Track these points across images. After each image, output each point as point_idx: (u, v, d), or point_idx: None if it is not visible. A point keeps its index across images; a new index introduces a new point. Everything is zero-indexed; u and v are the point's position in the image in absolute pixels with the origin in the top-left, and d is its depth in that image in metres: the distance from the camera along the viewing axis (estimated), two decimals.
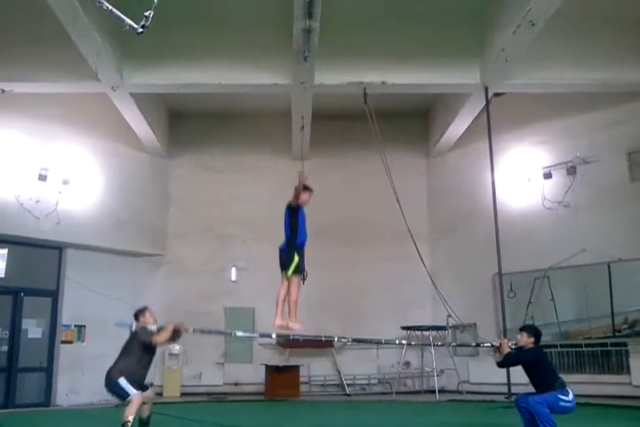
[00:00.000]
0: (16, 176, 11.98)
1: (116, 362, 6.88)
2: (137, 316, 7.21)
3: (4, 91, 11.41)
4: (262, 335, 8.40)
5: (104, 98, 12.14)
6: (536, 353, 6.71)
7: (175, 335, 7.15)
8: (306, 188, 7.37)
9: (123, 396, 6.63)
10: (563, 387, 6.44)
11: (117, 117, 13.04)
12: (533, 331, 6.86)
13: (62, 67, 11.11)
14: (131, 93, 12.03)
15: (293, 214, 7.33)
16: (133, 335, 6.99)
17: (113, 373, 6.75)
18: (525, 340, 6.75)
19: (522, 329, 6.94)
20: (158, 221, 14.94)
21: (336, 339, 7.48)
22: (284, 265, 7.23)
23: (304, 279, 7.33)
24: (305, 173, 7.42)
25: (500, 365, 7.15)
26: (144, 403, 6.77)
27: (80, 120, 13.08)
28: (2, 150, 11.89)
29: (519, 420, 6.71)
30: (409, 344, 13.29)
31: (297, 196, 7.30)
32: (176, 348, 13.86)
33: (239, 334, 8.16)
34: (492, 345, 7.15)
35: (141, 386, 6.85)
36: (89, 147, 13.38)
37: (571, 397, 6.39)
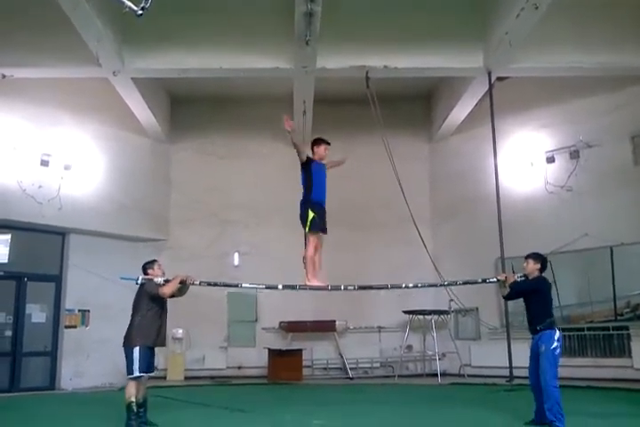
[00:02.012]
0: (18, 162, 11.98)
1: (130, 324, 6.96)
2: (145, 268, 7.29)
3: (4, 76, 11.39)
4: (268, 287, 8.48)
5: (105, 83, 12.10)
6: (542, 281, 6.88)
7: (182, 288, 7.20)
8: (319, 141, 7.63)
9: (129, 367, 6.76)
10: (552, 326, 6.59)
11: (119, 102, 12.99)
12: (540, 258, 6.97)
13: (63, 52, 11.06)
14: (132, 78, 11.99)
15: (306, 170, 7.45)
16: (141, 289, 7.05)
17: (130, 338, 6.84)
18: (532, 267, 6.88)
19: (527, 257, 7.07)
20: (160, 206, 14.94)
21: (342, 287, 7.68)
22: (302, 222, 7.44)
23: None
24: (289, 118, 7.57)
25: (508, 297, 7.26)
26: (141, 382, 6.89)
27: (81, 105, 13.05)
28: (3, 136, 11.88)
29: (521, 402, 6.76)
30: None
31: (298, 149, 7.52)
32: (179, 332, 13.95)
33: (245, 285, 8.19)
34: (498, 280, 7.27)
35: (149, 365, 6.91)
36: (90, 132, 13.36)
37: (556, 337, 6.53)
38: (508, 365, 11.48)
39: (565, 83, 12.59)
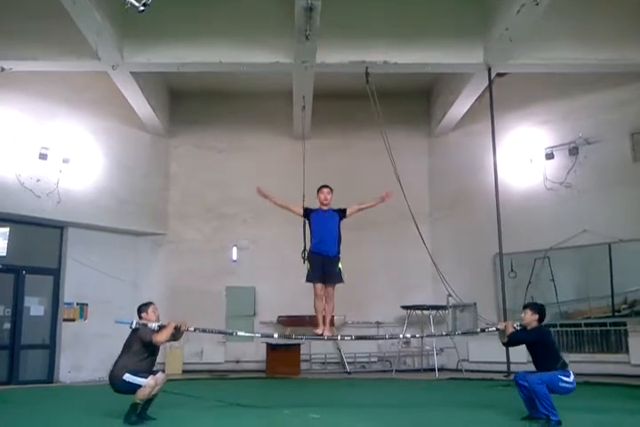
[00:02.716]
0: (17, 155, 11.97)
1: (116, 361, 6.71)
2: (140, 311, 7.04)
3: (3, 69, 11.38)
4: (264, 335, 8.72)
5: (105, 77, 12.08)
6: (540, 332, 6.72)
7: (176, 334, 6.99)
8: (320, 187, 7.72)
9: (134, 390, 6.50)
10: (564, 368, 6.48)
11: (118, 96, 12.98)
12: (537, 308, 6.85)
13: (62, 45, 11.05)
14: (131, 72, 11.98)
15: (307, 221, 7.57)
16: (134, 332, 6.82)
17: (116, 372, 6.60)
18: (529, 317, 6.76)
19: (526, 307, 6.93)
20: (159, 200, 14.95)
21: (339, 337, 9.24)
22: None
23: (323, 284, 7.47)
24: (261, 189, 7.88)
25: (506, 345, 7.18)
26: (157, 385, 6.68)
27: (81, 99, 13.05)
28: (2, 129, 11.86)
29: (518, 397, 6.77)
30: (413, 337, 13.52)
31: (289, 210, 7.80)
32: None
33: (240, 333, 8.17)
34: (497, 329, 7.15)
35: (150, 373, 6.79)
36: (89, 126, 13.35)
37: (572, 378, 6.43)
38: (505, 360, 11.52)
39: (566, 78, 12.58)
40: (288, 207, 7.70)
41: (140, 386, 6.47)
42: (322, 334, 7.44)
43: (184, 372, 13.79)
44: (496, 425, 6.49)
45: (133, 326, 6.82)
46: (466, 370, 13.29)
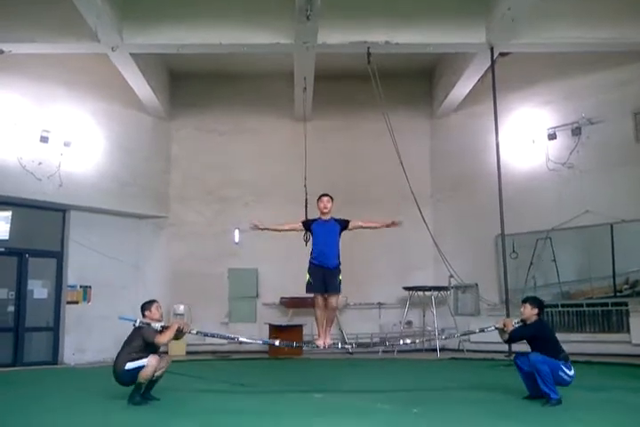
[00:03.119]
0: (18, 138, 11.94)
1: (118, 356, 6.77)
2: (144, 308, 7.07)
3: (2, 51, 11.32)
4: (265, 342, 8.84)
5: (104, 59, 12.01)
6: (540, 326, 6.78)
7: (178, 335, 7.04)
8: (319, 197, 7.53)
9: (137, 374, 6.56)
10: (567, 360, 6.51)
11: (118, 79, 12.92)
12: (536, 302, 6.89)
13: (62, 27, 10.98)
14: (131, 54, 11.89)
15: (309, 232, 7.47)
16: (137, 330, 6.84)
17: (118, 365, 6.66)
18: (529, 312, 6.79)
19: (524, 301, 6.96)
20: (161, 183, 14.95)
21: (340, 345, 9.39)
22: None
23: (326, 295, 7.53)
24: (256, 223, 7.71)
25: (507, 342, 7.20)
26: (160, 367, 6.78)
27: (81, 81, 12.98)
28: (3, 112, 11.82)
29: (519, 377, 6.82)
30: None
31: (291, 230, 7.72)
32: (180, 308, 14.05)
33: (242, 339, 8.22)
34: (496, 328, 7.16)
35: (147, 353, 6.77)
36: (90, 108, 13.30)
37: (572, 372, 6.48)
38: None
39: (568, 58, 12.49)
40: (289, 229, 7.68)
41: (142, 368, 6.54)
42: (323, 346, 7.56)
43: (188, 353, 13.87)
44: (498, 404, 6.54)
45: (137, 324, 6.83)
46: (467, 350, 13.37)
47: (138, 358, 6.61)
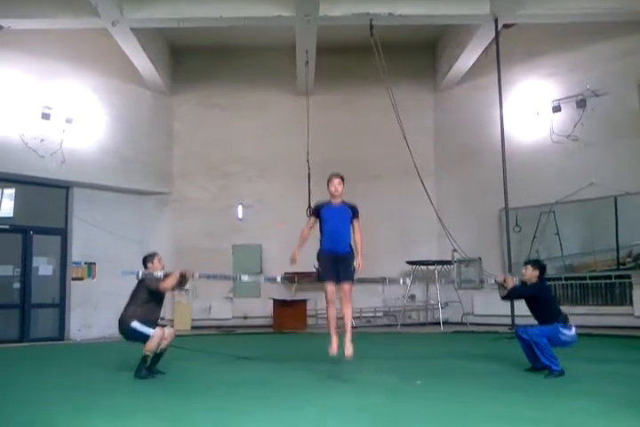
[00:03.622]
0: (19, 115, 11.90)
1: (125, 309, 6.87)
2: (145, 261, 7.16)
3: (2, 27, 11.24)
4: (268, 279, 8.63)
5: (105, 34, 11.91)
6: (540, 287, 6.78)
7: (182, 281, 7.12)
8: (329, 178, 6.81)
9: (142, 339, 6.66)
10: (566, 322, 6.54)
11: (119, 54, 12.83)
12: (538, 265, 6.90)
13: (61, 2, 10.91)
14: (131, 28, 11.80)
15: (318, 218, 6.62)
16: (140, 282, 6.95)
17: (124, 319, 6.77)
18: (530, 273, 6.80)
19: (526, 263, 6.98)
20: (163, 159, 14.91)
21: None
22: None
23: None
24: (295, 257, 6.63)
25: (505, 298, 7.23)
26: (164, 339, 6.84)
27: (82, 58, 12.89)
28: (4, 89, 11.76)
29: (520, 350, 6.87)
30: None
31: (309, 228, 6.72)
32: None
33: (245, 278, 8.23)
34: (496, 282, 7.19)
35: (156, 325, 6.90)
36: (91, 84, 13.22)
37: (572, 332, 6.51)
38: (509, 313, 11.63)
39: (573, 30, 12.32)
40: (310, 229, 6.71)
41: (146, 336, 6.62)
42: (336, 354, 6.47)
43: (193, 328, 14.00)
44: (500, 376, 6.59)
45: (140, 276, 6.95)
46: (470, 323, 13.45)
47: (146, 323, 6.69)
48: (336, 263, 6.43)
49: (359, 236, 6.57)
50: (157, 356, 6.96)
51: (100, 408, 5.08)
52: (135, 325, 6.66)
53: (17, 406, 5.22)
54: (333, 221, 6.49)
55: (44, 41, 12.07)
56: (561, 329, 6.45)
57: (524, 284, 6.87)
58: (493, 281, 7.38)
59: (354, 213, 6.59)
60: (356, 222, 6.59)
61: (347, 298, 6.46)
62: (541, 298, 6.69)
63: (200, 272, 7.66)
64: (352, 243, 6.59)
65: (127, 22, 11.44)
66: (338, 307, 6.63)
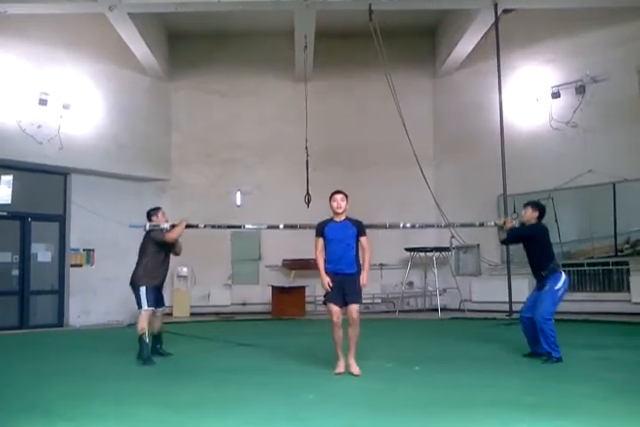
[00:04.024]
0: (16, 101, 11.82)
1: (137, 265, 7.24)
2: (150, 215, 7.47)
3: None
4: (270, 227, 8.52)
5: (102, 19, 11.81)
6: (538, 228, 6.81)
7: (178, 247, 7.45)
8: (335, 193, 6.21)
9: (138, 304, 7.09)
10: (555, 270, 6.57)
11: (116, 40, 12.74)
12: (538, 206, 6.96)
13: None
14: (128, 13, 11.70)
15: (323, 238, 6.14)
16: (147, 235, 7.27)
17: (135, 279, 7.15)
18: (530, 214, 6.86)
19: (527, 205, 7.02)
20: (161, 145, 14.86)
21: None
22: None
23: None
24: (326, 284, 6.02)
25: (504, 242, 7.28)
26: (155, 316, 7.22)
27: (79, 43, 12.80)
28: (1, 75, 11.67)
29: (520, 336, 6.89)
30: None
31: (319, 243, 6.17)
32: (184, 270, 14.15)
33: (248, 226, 8.29)
34: (496, 224, 7.27)
35: (157, 300, 7.24)
36: (89, 70, 13.13)
37: (562, 280, 6.51)
38: (507, 300, 11.67)
39: (573, 15, 12.25)
40: (322, 254, 6.12)
41: (141, 306, 7.03)
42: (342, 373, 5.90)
43: (192, 314, 14.04)
44: (499, 362, 6.63)
45: (147, 228, 7.27)
46: (468, 310, 13.49)
47: (150, 296, 7.06)
48: (342, 285, 5.99)
49: (368, 254, 6.14)
50: (157, 337, 7.11)
51: (100, 394, 5.11)
52: (142, 291, 7.05)
53: (17, 393, 5.25)
54: (337, 242, 6.04)
55: (41, 26, 11.97)
56: (557, 288, 6.47)
57: (522, 225, 6.90)
58: (493, 224, 7.45)
59: (359, 230, 6.12)
60: (363, 240, 6.13)
61: (355, 322, 5.91)
62: (538, 239, 6.72)
63: (203, 222, 8.00)
64: (359, 260, 6.14)
65: (124, 7, 11.34)
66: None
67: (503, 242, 7.25)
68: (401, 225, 8.73)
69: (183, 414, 4.36)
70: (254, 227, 8.44)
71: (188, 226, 7.33)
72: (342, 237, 6.05)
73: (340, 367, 5.90)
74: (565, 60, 12.90)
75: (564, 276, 6.57)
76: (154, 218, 7.43)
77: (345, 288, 5.98)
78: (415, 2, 11.52)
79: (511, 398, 4.72)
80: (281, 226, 8.27)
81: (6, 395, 5.13)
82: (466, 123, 14.44)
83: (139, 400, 4.87)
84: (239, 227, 8.59)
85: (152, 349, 7.15)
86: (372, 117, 14.79)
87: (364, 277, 6.05)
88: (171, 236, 7.18)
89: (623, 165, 11.83)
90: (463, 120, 14.54)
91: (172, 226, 7.28)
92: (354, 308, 5.92)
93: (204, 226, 7.83)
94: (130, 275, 7.27)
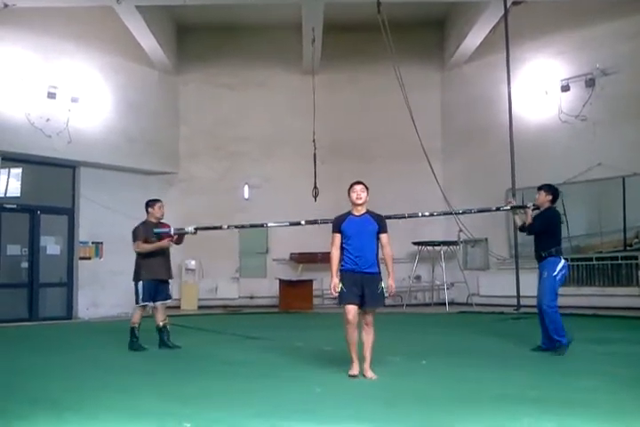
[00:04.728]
0: (25, 94, 11.86)
1: (137, 260, 7.45)
2: (147, 205, 7.71)
3: (6, 5, 11.12)
4: (292, 224, 8.40)
5: (111, 12, 11.81)
6: (551, 215, 6.89)
7: (179, 242, 7.67)
8: (354, 184, 5.83)
9: (135, 297, 7.36)
10: (556, 254, 6.65)
11: (124, 33, 12.76)
12: (552, 189, 7.02)
13: None
14: (136, 6, 11.71)
15: (340, 234, 5.62)
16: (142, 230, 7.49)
17: (134, 274, 7.38)
18: (543, 198, 6.93)
19: (540, 188, 7.05)
20: (170, 138, 14.88)
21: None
22: None
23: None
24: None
25: (521, 230, 7.26)
26: (156, 309, 7.42)
27: (87, 36, 12.81)
28: (10, 68, 11.70)
29: (527, 330, 6.90)
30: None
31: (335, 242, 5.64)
32: (192, 263, 14.20)
33: (271, 224, 8.19)
34: (512, 207, 7.41)
35: (156, 294, 7.40)
36: (97, 63, 13.15)
37: (560, 266, 6.59)
38: (515, 294, 11.64)
39: (582, 7, 12.16)
40: (338, 251, 5.57)
41: (136, 301, 7.28)
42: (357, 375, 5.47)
43: (199, 307, 14.09)
44: (505, 356, 6.62)
45: (172, 232, 7.44)
46: (476, 304, 13.47)
47: (146, 291, 7.26)
48: (360, 285, 5.44)
49: (388, 253, 5.62)
50: (164, 329, 7.21)
51: (108, 386, 5.13)
52: (139, 286, 7.27)
53: (26, 384, 5.29)
54: (357, 237, 5.50)
55: (50, 20, 11.99)
56: (554, 274, 6.55)
57: (536, 207, 6.96)
58: (509, 207, 7.51)
59: (380, 225, 5.60)
60: (384, 237, 5.60)
61: (370, 326, 5.55)
62: (552, 227, 6.80)
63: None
64: (379, 260, 5.60)
65: (132, 0, 11.32)
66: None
67: (522, 229, 7.22)
68: (420, 214, 8.64)
69: (190, 406, 4.38)
70: (276, 224, 8.23)
71: (205, 228, 7.65)
72: (363, 233, 5.51)
73: (354, 370, 5.45)
74: (575, 52, 12.80)
75: (562, 262, 6.65)
76: (150, 209, 7.62)
77: (365, 289, 5.44)
78: None
79: (517, 392, 4.71)
80: (302, 222, 8.16)
81: (15, 386, 5.17)
82: (474, 116, 14.38)
83: (146, 392, 4.89)
84: (261, 226, 8.44)
85: (159, 341, 7.22)
86: (379, 110, 14.74)
87: (390, 284, 5.57)
88: (140, 247, 7.35)
89: (633, 158, 11.74)
90: (472, 113, 14.47)
91: (196, 229, 7.43)
92: (370, 313, 5.54)
93: (228, 227, 7.86)
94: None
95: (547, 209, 6.92)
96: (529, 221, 6.97)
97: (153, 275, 7.32)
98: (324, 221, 7.37)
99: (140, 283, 7.25)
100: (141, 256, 7.34)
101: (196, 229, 7.31)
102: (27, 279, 12.41)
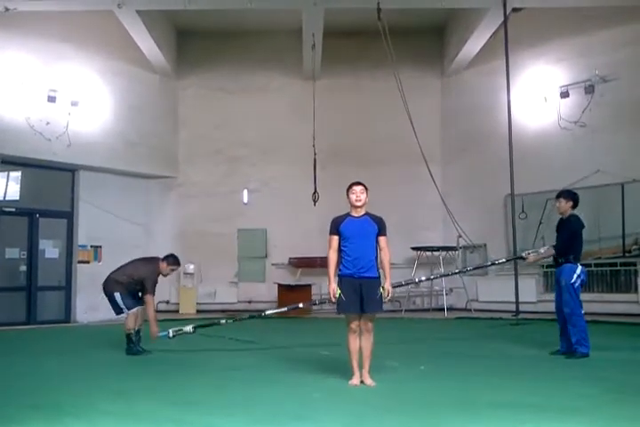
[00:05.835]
0: (25, 98, 11.87)
1: (114, 272, 7.57)
2: (167, 258, 7.59)
3: (7, 9, 11.15)
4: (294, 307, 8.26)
5: (111, 16, 11.84)
6: (575, 223, 6.89)
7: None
8: (353, 184, 5.63)
9: (115, 309, 7.39)
10: (573, 261, 6.75)
11: (125, 37, 12.78)
12: (570, 195, 7.05)
13: None
14: (137, 11, 11.73)
15: (339, 236, 5.44)
16: (152, 272, 7.39)
17: (109, 285, 7.44)
18: (564, 206, 6.95)
19: (558, 196, 7.10)
20: (169, 142, 14.89)
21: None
22: None
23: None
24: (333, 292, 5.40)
25: (563, 248, 6.95)
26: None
27: (87, 40, 12.83)
28: (10, 71, 11.72)
29: (526, 335, 6.89)
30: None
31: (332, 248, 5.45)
32: (190, 267, 14.18)
33: (269, 312, 8.13)
34: (524, 258, 7.44)
35: (137, 301, 7.44)
36: (97, 67, 13.17)
37: (577, 272, 6.71)
38: (514, 300, 11.63)
39: (582, 14, 12.18)
40: (336, 254, 5.42)
41: (119, 308, 7.33)
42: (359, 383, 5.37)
43: (198, 311, 14.06)
44: (504, 362, 6.62)
45: (170, 335, 7.34)
46: (475, 310, 13.46)
47: (126, 299, 7.30)
48: (359, 291, 5.30)
49: (386, 256, 5.42)
50: (137, 331, 7.21)
51: (106, 391, 5.12)
52: (117, 296, 7.31)
53: (24, 389, 5.26)
54: (356, 238, 5.33)
55: (50, 24, 12.01)
56: (572, 281, 6.66)
57: (560, 215, 7.03)
58: (522, 258, 7.55)
59: (380, 227, 5.42)
60: (382, 240, 5.42)
61: (369, 332, 5.48)
62: (576, 235, 6.85)
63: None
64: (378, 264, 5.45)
65: (133, 4, 11.38)
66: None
67: (556, 259, 6.99)
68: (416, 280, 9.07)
69: (188, 411, 4.37)
70: (272, 311, 8.08)
71: (204, 326, 7.80)
72: (362, 235, 5.34)
73: (355, 380, 5.36)
74: (574, 59, 12.83)
75: (579, 268, 6.72)
76: (161, 263, 7.53)
77: (364, 294, 5.30)
78: (424, 0, 11.47)
79: (517, 398, 4.70)
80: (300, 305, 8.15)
81: (14, 391, 5.15)
82: (474, 122, 14.40)
83: (144, 397, 4.87)
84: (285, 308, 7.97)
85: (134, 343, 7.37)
86: (379, 116, 14.76)
87: (388, 288, 5.38)
88: (149, 301, 7.28)
89: (632, 165, 11.76)
90: (471, 119, 14.49)
91: (194, 328, 7.46)
92: (369, 319, 5.45)
93: (226, 321, 8.07)
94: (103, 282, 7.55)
95: (569, 216, 6.95)
96: (547, 254, 7.05)
97: (127, 293, 7.44)
98: None
99: (118, 293, 7.32)
100: (123, 286, 7.39)
101: (195, 327, 7.40)
102: (25, 283, 12.39)
